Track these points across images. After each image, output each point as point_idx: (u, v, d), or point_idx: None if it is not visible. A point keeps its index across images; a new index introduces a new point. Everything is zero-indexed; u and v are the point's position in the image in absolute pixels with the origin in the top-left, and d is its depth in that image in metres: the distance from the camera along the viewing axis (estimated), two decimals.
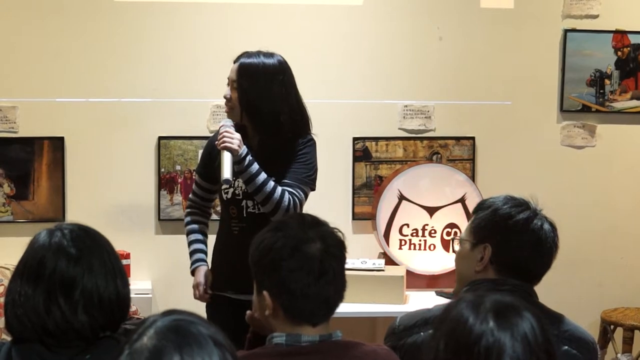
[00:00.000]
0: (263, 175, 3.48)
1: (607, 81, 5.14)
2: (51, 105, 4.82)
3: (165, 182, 4.89)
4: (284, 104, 3.56)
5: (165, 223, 4.92)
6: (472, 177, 5.02)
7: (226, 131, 3.49)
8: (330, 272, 2.18)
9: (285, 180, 3.53)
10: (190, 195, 3.88)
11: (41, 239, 2.19)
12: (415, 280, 4.71)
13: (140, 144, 4.88)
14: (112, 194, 4.88)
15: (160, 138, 4.87)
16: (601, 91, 5.14)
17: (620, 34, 5.12)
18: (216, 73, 4.83)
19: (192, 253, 3.78)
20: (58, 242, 2.17)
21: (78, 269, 2.14)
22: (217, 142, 3.51)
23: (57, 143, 4.81)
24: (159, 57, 4.88)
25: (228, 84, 3.60)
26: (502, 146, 5.13)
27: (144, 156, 4.89)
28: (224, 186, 3.59)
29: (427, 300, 4.13)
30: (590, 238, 5.17)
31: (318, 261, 2.17)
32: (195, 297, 3.72)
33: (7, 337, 2.24)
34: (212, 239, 3.83)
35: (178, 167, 4.89)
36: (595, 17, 5.12)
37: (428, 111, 5.06)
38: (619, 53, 5.14)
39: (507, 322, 1.74)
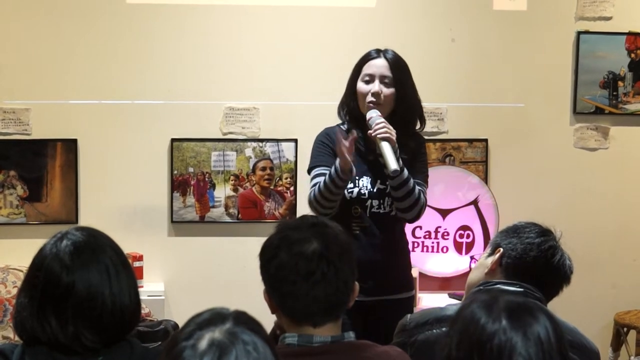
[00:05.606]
0: (412, 180, 3.50)
1: (620, 83, 5.12)
2: (64, 107, 4.83)
3: (178, 184, 4.89)
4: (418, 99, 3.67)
5: (178, 225, 4.93)
6: (485, 179, 5.01)
7: (383, 122, 3.47)
8: (318, 273, 2.13)
9: (417, 180, 3.55)
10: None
11: (46, 245, 2.15)
12: (428, 282, 4.72)
13: (153, 146, 4.89)
14: (125, 196, 4.88)
15: (173, 140, 4.88)
16: (614, 93, 5.12)
17: (633, 35, 5.11)
18: (229, 75, 4.85)
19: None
20: (56, 251, 2.11)
21: (70, 279, 2.07)
22: (371, 131, 3.44)
23: (70, 145, 4.82)
24: (172, 59, 4.88)
25: (367, 80, 3.58)
26: (515, 148, 5.12)
27: (157, 158, 4.89)
28: (391, 174, 3.43)
29: (439, 302, 4.12)
30: (603, 240, 5.16)
31: (307, 261, 2.13)
32: (345, 147, 3.35)
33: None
34: None
35: (191, 169, 4.89)
36: (609, 19, 5.10)
37: (441, 113, 5.05)
38: (632, 55, 5.12)
39: (520, 322, 1.74)
